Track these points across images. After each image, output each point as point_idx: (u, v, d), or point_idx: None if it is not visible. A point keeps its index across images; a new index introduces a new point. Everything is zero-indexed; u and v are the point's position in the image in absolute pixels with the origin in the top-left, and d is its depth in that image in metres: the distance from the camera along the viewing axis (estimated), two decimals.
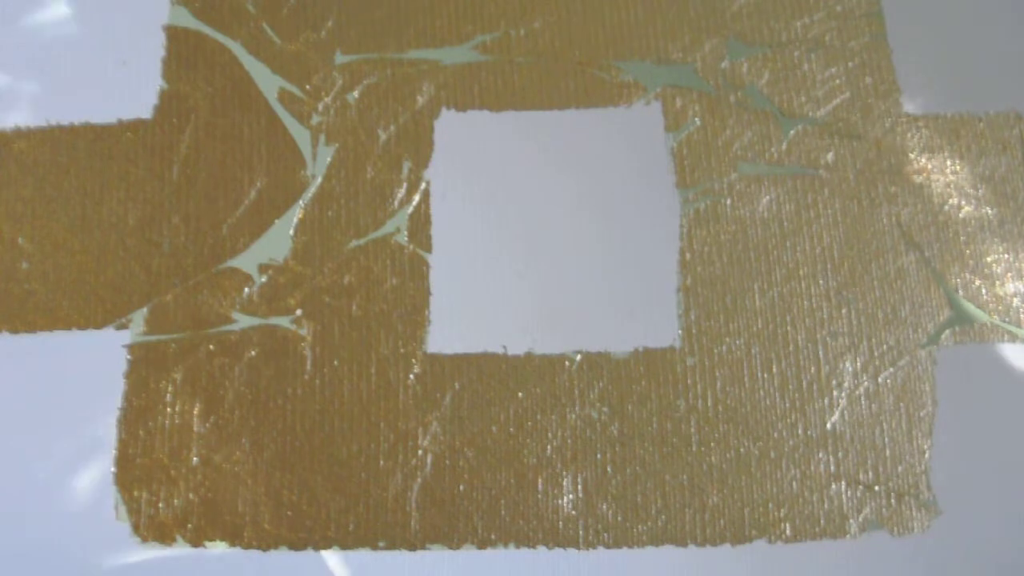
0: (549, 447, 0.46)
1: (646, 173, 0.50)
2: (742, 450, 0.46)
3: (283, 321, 0.48)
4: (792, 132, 0.50)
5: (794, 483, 0.45)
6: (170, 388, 0.47)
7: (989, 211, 0.49)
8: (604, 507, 0.45)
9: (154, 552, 0.45)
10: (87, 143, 0.50)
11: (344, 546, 0.45)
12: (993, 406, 0.47)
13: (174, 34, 0.52)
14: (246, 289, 0.48)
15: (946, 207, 0.49)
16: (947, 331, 0.47)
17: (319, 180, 0.50)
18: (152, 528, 0.45)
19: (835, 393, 0.46)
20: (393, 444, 0.46)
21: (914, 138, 0.50)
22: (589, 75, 0.51)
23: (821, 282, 0.48)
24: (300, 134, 0.50)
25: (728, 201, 0.49)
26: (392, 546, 0.45)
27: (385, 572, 0.45)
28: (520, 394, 0.47)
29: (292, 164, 0.50)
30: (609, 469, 0.46)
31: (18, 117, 0.51)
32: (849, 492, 0.45)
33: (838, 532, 0.45)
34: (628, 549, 0.45)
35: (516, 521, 0.45)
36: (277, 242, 0.49)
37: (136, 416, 0.47)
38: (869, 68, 0.51)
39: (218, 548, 0.45)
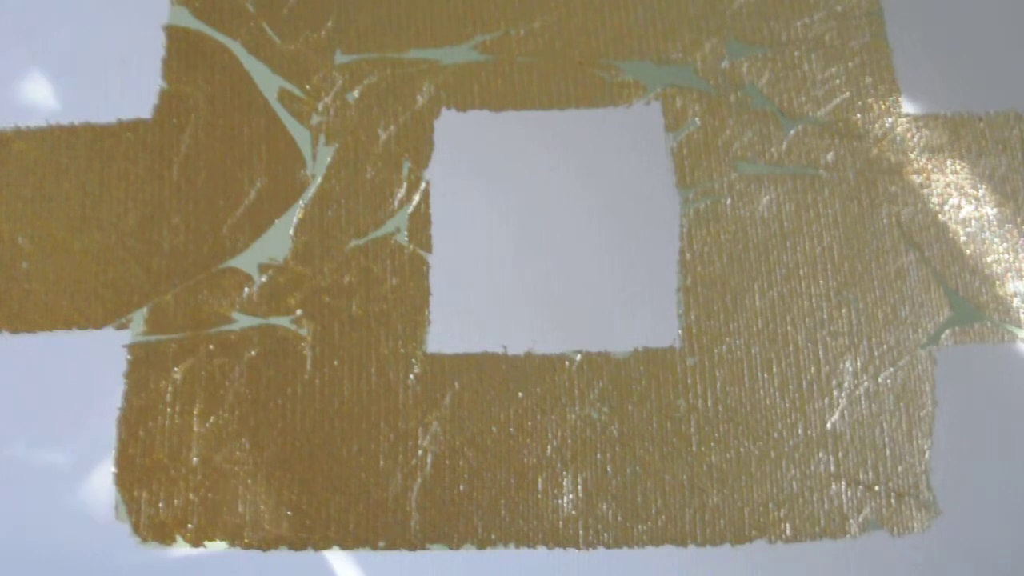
0: (549, 447, 0.46)
1: (646, 173, 0.50)
2: (742, 450, 0.46)
3: (283, 321, 0.48)
4: (792, 132, 0.50)
5: (794, 483, 0.45)
6: (170, 388, 0.47)
7: (989, 211, 0.49)
8: (604, 507, 0.45)
9: (154, 552, 0.45)
10: (87, 143, 0.50)
11: (344, 546, 0.45)
12: (993, 406, 0.47)
13: (174, 34, 0.52)
14: (246, 289, 0.48)
15: (946, 207, 0.49)
16: (947, 331, 0.47)
17: (319, 180, 0.50)
18: (152, 528, 0.45)
19: (835, 393, 0.46)
20: (393, 444, 0.46)
21: (914, 138, 0.50)
22: (589, 75, 0.51)
23: (821, 282, 0.48)
24: (300, 134, 0.50)
25: (728, 201, 0.49)
26: (392, 546, 0.45)
27: (385, 572, 0.45)
28: (520, 394, 0.47)
29: (292, 164, 0.50)
30: (609, 469, 0.46)
31: (18, 117, 0.51)
32: (849, 492, 0.45)
33: (838, 532, 0.45)
34: (628, 549, 0.45)
35: (516, 521, 0.45)
36: (277, 242, 0.49)
37: (136, 416, 0.47)
38: (869, 68, 0.51)
39: (218, 548, 0.45)
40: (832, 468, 0.45)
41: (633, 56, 0.51)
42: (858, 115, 0.50)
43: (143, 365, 0.47)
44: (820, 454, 0.46)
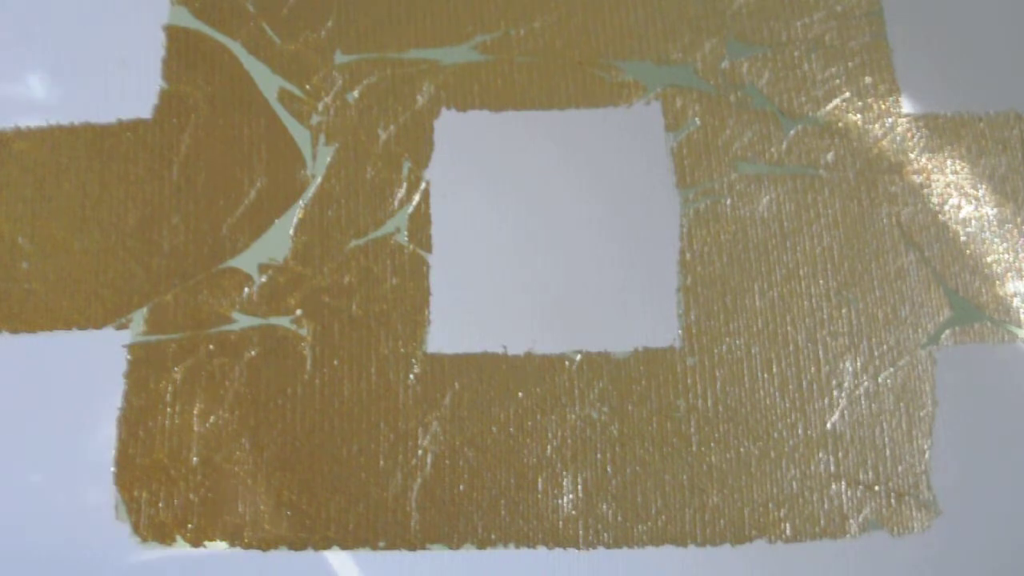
0: (549, 447, 0.46)
1: (646, 173, 0.50)
2: (742, 450, 0.46)
3: (283, 321, 0.48)
4: (792, 132, 0.50)
5: (794, 483, 0.45)
6: (170, 388, 0.47)
7: (989, 211, 0.49)
8: (604, 507, 0.45)
9: (154, 552, 0.45)
10: (87, 143, 0.50)
11: (344, 546, 0.45)
12: (993, 406, 0.47)
13: (174, 34, 0.52)
14: (246, 289, 0.48)
15: (946, 207, 0.49)
16: (947, 331, 0.47)
17: (319, 180, 0.50)
18: (152, 528, 0.45)
19: (835, 393, 0.46)
20: (393, 444, 0.46)
21: (914, 138, 0.50)
22: (589, 75, 0.51)
23: (821, 282, 0.48)
24: (300, 134, 0.50)
25: (728, 201, 0.49)
26: (392, 546, 0.45)
27: (385, 572, 0.45)
28: (520, 394, 0.47)
29: (292, 164, 0.50)
30: (609, 469, 0.46)
31: (18, 117, 0.51)
32: (849, 492, 0.45)
33: (838, 532, 0.45)
34: (628, 549, 0.45)
35: (516, 521, 0.45)
36: (277, 242, 0.49)
37: (136, 416, 0.47)
38: (869, 68, 0.51)
39: (218, 548, 0.45)
40: (832, 468, 0.45)
41: (633, 56, 0.51)
42: (858, 115, 0.50)
43: (143, 365, 0.47)
44: (820, 454, 0.46)
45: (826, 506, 0.45)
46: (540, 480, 0.46)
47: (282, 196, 0.49)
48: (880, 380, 0.47)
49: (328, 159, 0.50)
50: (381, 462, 0.46)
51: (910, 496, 0.45)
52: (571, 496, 0.45)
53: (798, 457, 0.46)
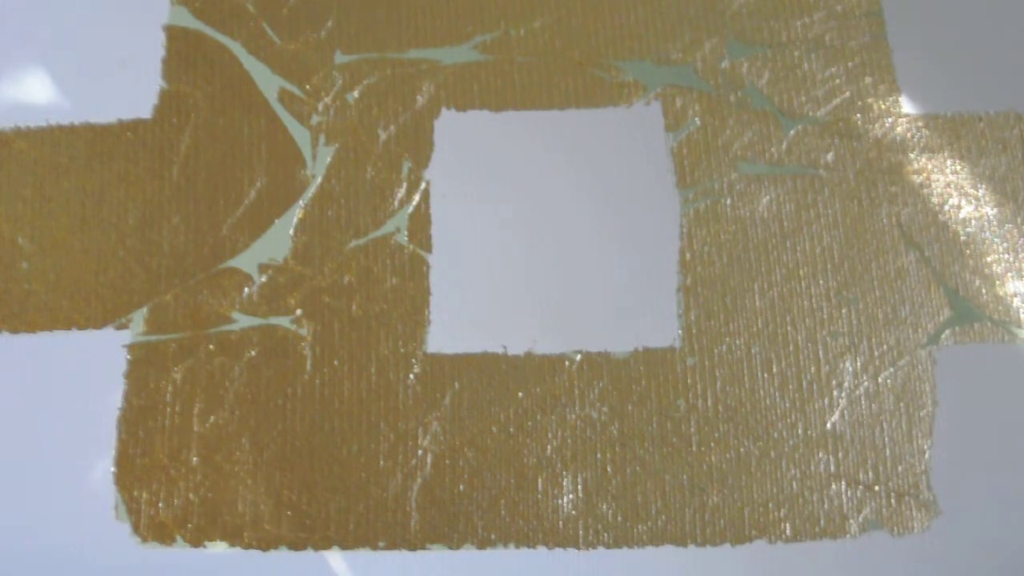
0: (549, 447, 0.46)
1: (646, 173, 0.50)
2: (742, 450, 0.46)
3: (283, 321, 0.48)
4: (792, 132, 0.50)
5: (794, 483, 0.45)
6: (170, 388, 0.47)
7: (989, 211, 0.49)
8: (604, 507, 0.45)
9: (154, 552, 0.45)
10: (87, 143, 0.50)
11: (344, 546, 0.45)
12: (993, 406, 0.47)
13: (174, 34, 0.52)
14: (246, 289, 0.48)
15: (946, 207, 0.49)
16: (947, 331, 0.47)
17: (319, 180, 0.50)
18: (152, 528, 0.45)
19: (835, 393, 0.46)
20: (393, 444, 0.46)
21: (914, 138, 0.50)
22: (589, 75, 0.51)
23: (821, 282, 0.48)
24: (300, 134, 0.50)
25: (728, 201, 0.49)
26: (392, 546, 0.45)
27: (385, 572, 0.45)
28: (520, 394, 0.47)
29: (292, 164, 0.50)
30: (609, 469, 0.46)
31: (18, 117, 0.51)
32: (849, 492, 0.45)
33: (838, 532, 0.45)
34: (628, 549, 0.45)
35: (516, 521, 0.45)
36: (277, 242, 0.49)
37: (136, 416, 0.47)
38: (869, 68, 0.51)
39: (218, 548, 0.45)
40: (832, 468, 0.45)
41: (633, 56, 0.51)
42: (858, 115, 0.50)
43: (143, 365, 0.47)
44: (820, 454, 0.46)
45: (826, 506, 0.45)
46: (540, 480, 0.46)
47: (282, 196, 0.49)
48: (880, 380, 0.47)
49: (328, 159, 0.50)
50: (381, 462, 0.46)
51: (910, 496, 0.45)
52: (571, 496, 0.45)
53: (798, 457, 0.46)
